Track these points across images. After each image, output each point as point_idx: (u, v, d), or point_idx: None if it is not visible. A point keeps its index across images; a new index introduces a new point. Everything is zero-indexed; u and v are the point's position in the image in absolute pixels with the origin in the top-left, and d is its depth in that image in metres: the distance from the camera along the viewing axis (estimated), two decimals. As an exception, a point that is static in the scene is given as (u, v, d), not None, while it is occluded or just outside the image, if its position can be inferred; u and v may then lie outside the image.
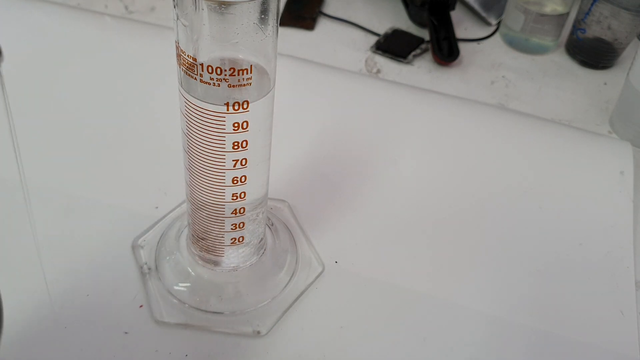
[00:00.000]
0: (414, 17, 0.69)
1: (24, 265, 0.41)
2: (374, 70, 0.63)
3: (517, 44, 0.68)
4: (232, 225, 0.37)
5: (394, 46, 0.66)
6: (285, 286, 0.41)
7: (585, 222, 0.48)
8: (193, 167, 0.34)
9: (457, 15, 0.70)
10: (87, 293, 0.40)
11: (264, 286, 0.41)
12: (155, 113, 0.52)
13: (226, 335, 0.38)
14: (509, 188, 0.50)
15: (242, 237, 0.38)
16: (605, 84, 0.65)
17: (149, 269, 0.41)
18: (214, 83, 0.30)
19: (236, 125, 0.31)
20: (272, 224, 0.44)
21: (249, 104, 0.31)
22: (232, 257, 0.39)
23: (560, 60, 0.67)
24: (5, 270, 0.40)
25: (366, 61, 0.64)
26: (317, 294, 0.41)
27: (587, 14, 0.63)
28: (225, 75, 0.29)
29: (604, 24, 0.62)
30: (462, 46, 0.67)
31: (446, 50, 0.64)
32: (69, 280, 0.40)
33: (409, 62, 0.64)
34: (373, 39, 0.67)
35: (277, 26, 0.30)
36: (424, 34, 0.67)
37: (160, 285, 0.40)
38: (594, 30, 0.64)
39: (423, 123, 0.55)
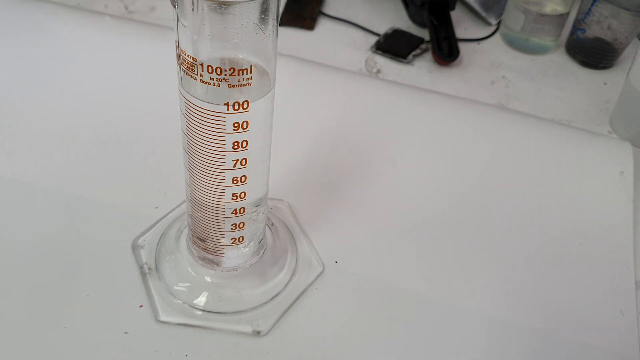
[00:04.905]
0: (414, 17, 0.69)
1: (25, 263, 0.41)
2: (374, 70, 0.63)
3: (517, 44, 0.68)
4: (232, 225, 0.37)
5: (394, 46, 0.66)
6: (285, 286, 0.41)
7: (585, 222, 0.48)
8: (193, 167, 0.34)
9: (457, 15, 0.70)
10: (87, 293, 0.40)
11: (264, 286, 0.41)
12: (155, 113, 0.52)
13: (226, 335, 0.38)
14: (509, 188, 0.50)
15: (242, 237, 0.38)
16: (605, 84, 0.65)
17: (149, 269, 0.41)
18: (214, 83, 0.30)
19: (236, 125, 0.31)
20: (272, 224, 0.44)
21: (249, 104, 0.31)
22: (232, 257, 0.39)
23: (560, 60, 0.67)
24: (5, 270, 0.40)
25: (366, 61, 0.64)
26: (317, 294, 0.41)
27: (587, 14, 0.63)
28: (225, 75, 0.29)
29: (604, 24, 0.62)
30: (462, 46, 0.67)
31: (446, 50, 0.64)
32: (69, 280, 0.40)
33: (409, 62, 0.64)
34: (373, 39, 0.67)
35: (277, 26, 0.30)
36: (424, 34, 0.67)
37: (160, 285, 0.40)
38: (594, 30, 0.64)
39: (423, 123, 0.55)
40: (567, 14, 0.65)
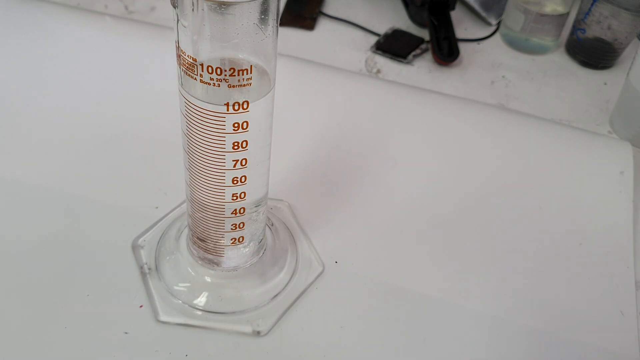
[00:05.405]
0: (414, 17, 0.69)
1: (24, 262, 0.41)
2: (374, 70, 0.63)
3: (517, 44, 0.68)
4: (232, 225, 0.37)
5: (394, 46, 0.66)
6: (285, 286, 0.41)
7: (585, 222, 0.48)
8: (193, 167, 0.34)
9: (457, 15, 0.70)
10: (87, 293, 0.40)
11: (264, 286, 0.41)
12: (155, 113, 0.52)
13: (226, 335, 0.38)
14: (509, 188, 0.50)
15: (242, 237, 0.38)
16: (605, 84, 0.65)
17: (149, 269, 0.41)
18: (214, 83, 0.30)
19: (236, 125, 0.31)
20: (272, 224, 0.44)
21: (249, 104, 0.31)
22: (232, 257, 0.39)
23: (560, 60, 0.67)
24: (5, 270, 0.40)
25: (366, 61, 0.64)
26: (317, 294, 0.41)
27: (587, 14, 0.63)
28: (225, 75, 0.29)
29: (604, 24, 0.62)
30: (462, 46, 0.67)
31: (446, 50, 0.64)
32: (69, 280, 0.40)
33: (409, 62, 0.64)
34: (373, 39, 0.67)
35: (277, 26, 0.30)
36: (424, 34, 0.67)
37: (160, 285, 0.40)
38: (594, 30, 0.64)
39: (423, 123, 0.55)
40: (567, 14, 0.65)
